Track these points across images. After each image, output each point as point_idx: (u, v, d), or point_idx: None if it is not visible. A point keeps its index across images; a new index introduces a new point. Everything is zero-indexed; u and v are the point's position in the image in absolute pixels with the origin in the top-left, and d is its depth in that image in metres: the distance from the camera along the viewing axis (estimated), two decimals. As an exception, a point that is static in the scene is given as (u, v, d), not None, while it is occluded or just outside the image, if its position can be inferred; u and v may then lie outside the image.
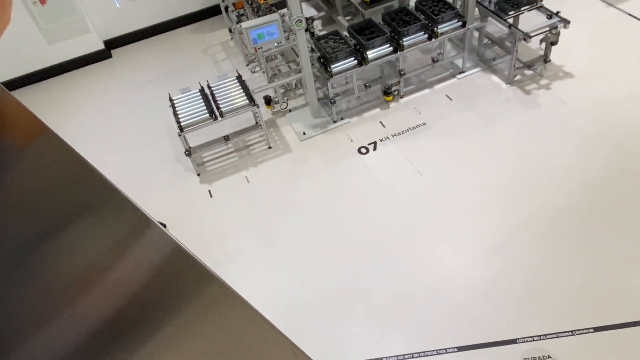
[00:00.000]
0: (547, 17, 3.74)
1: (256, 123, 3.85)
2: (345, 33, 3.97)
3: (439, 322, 2.70)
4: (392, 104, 4.06)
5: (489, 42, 4.24)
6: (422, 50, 4.39)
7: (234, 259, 3.19)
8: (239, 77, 3.86)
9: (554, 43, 3.77)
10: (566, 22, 3.66)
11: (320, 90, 4.09)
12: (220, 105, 3.64)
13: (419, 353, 2.59)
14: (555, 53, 3.92)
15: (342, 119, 4.00)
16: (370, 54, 3.74)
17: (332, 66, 3.69)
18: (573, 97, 3.78)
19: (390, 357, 2.61)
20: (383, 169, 3.56)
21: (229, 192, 3.63)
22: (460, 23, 3.88)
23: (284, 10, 3.99)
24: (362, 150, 3.73)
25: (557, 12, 3.71)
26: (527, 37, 3.62)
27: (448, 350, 2.59)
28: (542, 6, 3.76)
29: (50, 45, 4.91)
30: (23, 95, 4.93)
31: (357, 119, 4.00)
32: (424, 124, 3.84)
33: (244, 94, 3.71)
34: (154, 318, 0.45)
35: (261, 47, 3.71)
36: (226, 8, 4.77)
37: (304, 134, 3.94)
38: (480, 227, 3.10)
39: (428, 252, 3.02)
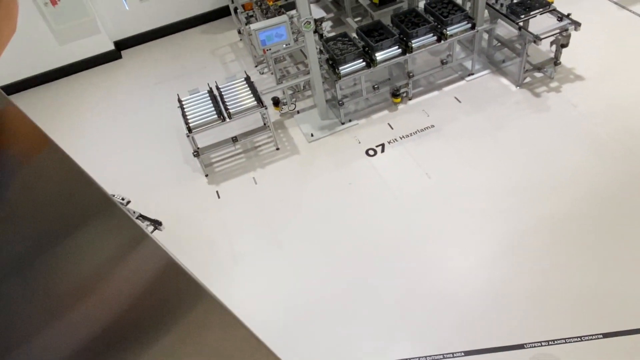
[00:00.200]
0: (557, 20, 3.71)
1: (264, 124, 3.86)
2: (354, 35, 3.97)
3: (446, 325, 2.68)
4: (401, 106, 4.05)
5: (499, 44, 4.22)
6: (431, 52, 4.38)
7: (241, 259, 3.20)
8: (247, 79, 3.87)
9: (564, 45, 3.74)
10: (577, 25, 3.63)
11: (329, 91, 4.09)
12: (229, 107, 3.65)
13: (426, 357, 2.58)
14: (566, 55, 3.89)
15: (350, 120, 4.00)
16: (379, 55, 3.73)
17: (340, 68, 3.68)
18: (583, 100, 3.74)
19: (396, 360, 2.60)
20: (391, 171, 3.55)
21: (236, 193, 3.64)
22: (469, 25, 3.86)
23: (293, 12, 4.00)
24: (370, 152, 3.72)
25: (568, 15, 3.68)
26: (537, 39, 3.60)
27: (455, 355, 2.57)
28: (554, 9, 3.72)
29: (62, 46, 4.95)
30: (34, 95, 4.98)
31: (365, 120, 3.99)
32: (433, 126, 3.82)
33: (252, 95, 3.71)
34: (145, 334, 0.44)
35: (270, 49, 3.71)
36: (235, 9, 4.79)
37: (312, 135, 3.94)
38: (488, 230, 3.08)
39: (435, 254, 3.01)
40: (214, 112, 3.63)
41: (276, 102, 4.07)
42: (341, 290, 2.93)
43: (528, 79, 4.01)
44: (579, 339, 2.51)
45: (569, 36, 3.68)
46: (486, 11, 3.94)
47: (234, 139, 3.79)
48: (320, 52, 3.84)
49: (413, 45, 3.76)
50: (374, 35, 3.84)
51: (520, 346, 2.54)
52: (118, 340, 0.43)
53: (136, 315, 0.45)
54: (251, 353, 0.46)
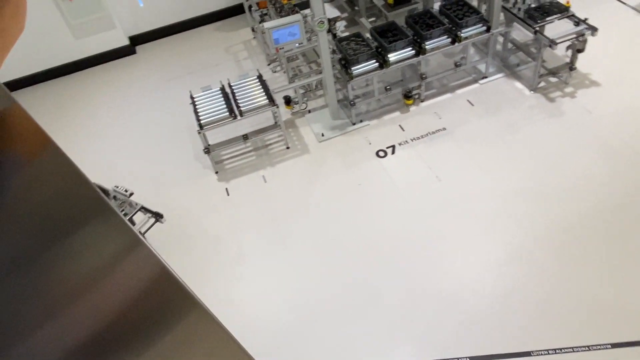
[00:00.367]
0: (574, 24, 3.67)
1: (275, 123, 3.86)
2: (368, 35, 3.95)
3: (452, 330, 2.67)
4: (413, 108, 4.03)
5: (514, 47, 4.18)
6: (445, 54, 4.35)
7: (248, 257, 3.20)
8: (259, 77, 3.87)
9: (580, 50, 3.69)
10: (594, 30, 3.58)
11: (340, 91, 4.08)
12: (240, 104, 3.65)
13: (431, 361, 2.56)
14: (582, 61, 3.85)
15: (361, 121, 3.99)
16: (392, 56, 3.72)
17: (353, 68, 3.67)
18: (598, 106, 3.70)
19: (401, 363, 2.59)
20: (401, 173, 3.53)
21: (245, 191, 3.64)
22: (484, 28, 3.83)
23: (307, 11, 3.99)
24: (381, 154, 3.71)
25: (585, 19, 3.64)
26: (553, 43, 3.56)
27: (460, 359, 2.55)
28: (572, 15, 3.67)
29: (77, 40, 4.99)
30: (49, 88, 5.04)
31: (377, 121, 3.98)
32: (444, 128, 3.80)
33: (264, 93, 3.72)
34: (132, 342, 0.44)
35: (283, 48, 3.71)
36: (250, 7, 4.79)
37: (323, 135, 3.93)
38: (497, 234, 3.05)
39: (443, 258, 2.99)
40: (226, 110, 3.64)
41: (288, 101, 4.07)
42: (346, 291, 2.92)
43: (542, 84, 3.97)
44: (586, 349, 2.48)
45: (585, 41, 3.64)
46: (502, 14, 3.90)
47: (245, 137, 3.80)
48: (333, 51, 3.83)
49: (427, 46, 3.74)
50: (387, 36, 3.82)
51: (527, 354, 2.52)
52: (103, 347, 0.43)
53: (124, 322, 0.44)
54: None
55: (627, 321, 2.56)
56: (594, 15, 3.74)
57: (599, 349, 2.47)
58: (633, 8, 4.44)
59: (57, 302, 0.45)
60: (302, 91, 4.22)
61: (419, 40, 3.77)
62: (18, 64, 4.92)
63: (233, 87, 3.82)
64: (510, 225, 3.08)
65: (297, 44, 3.77)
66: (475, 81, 4.15)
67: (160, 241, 3.39)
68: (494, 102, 3.92)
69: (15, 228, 0.49)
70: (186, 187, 3.76)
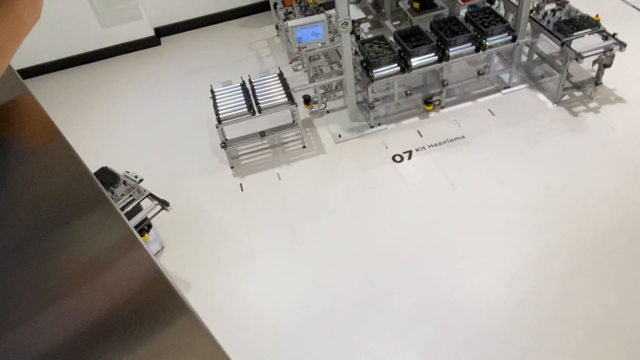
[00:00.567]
0: (602, 38, 3.59)
1: (293, 121, 3.86)
2: (391, 38, 3.93)
3: (458, 341, 2.64)
4: (432, 114, 3.99)
5: (539, 58, 4.11)
6: (468, 62, 4.31)
7: (258, 254, 3.21)
8: (280, 75, 3.88)
9: (607, 65, 3.62)
10: (622, 45, 3.51)
11: (360, 94, 4.07)
12: (260, 101, 3.66)
13: (434, 370, 2.54)
14: (608, 76, 3.77)
15: (379, 124, 3.97)
16: (415, 61, 3.69)
17: (374, 71, 3.66)
18: (622, 123, 3.62)
19: (404, 371, 2.57)
20: (416, 179, 3.51)
21: (259, 188, 3.65)
22: (510, 37, 3.77)
23: (332, 11, 3.99)
24: (397, 158, 3.69)
25: (614, 34, 3.56)
26: (579, 57, 3.49)
27: (464, 371, 2.52)
28: (604, 30, 3.60)
29: (104, 29, 5.07)
30: (73, 74, 5.12)
31: (395, 126, 3.95)
32: (463, 137, 3.76)
33: (283, 91, 3.72)
34: (118, 342, 0.43)
35: (305, 47, 3.71)
36: (275, 5, 4.81)
37: (340, 136, 3.92)
38: (510, 247, 3.01)
39: (454, 267, 2.96)
40: (245, 106, 3.65)
41: (307, 100, 4.07)
42: (354, 294, 2.91)
43: (566, 97, 3.90)
44: (595, 370, 2.43)
45: (612, 56, 3.57)
46: (528, 24, 3.85)
47: (262, 134, 3.81)
48: (356, 53, 3.82)
49: (450, 53, 3.71)
50: (411, 40, 3.80)
51: (533, 370, 2.47)
52: (88, 343, 0.43)
53: (112, 321, 0.44)
54: None
55: (636, 344, 2.50)
56: (623, 30, 3.66)
57: (608, 371, 2.42)
58: (665, 25, 4.34)
59: (46, 293, 0.45)
60: (322, 91, 4.22)
61: (442, 46, 3.73)
62: (44, 50, 5.01)
63: (253, 84, 3.83)
64: (524, 238, 3.04)
65: (319, 44, 3.77)
66: (497, 90, 4.10)
67: (170, 232, 3.42)
68: (515, 113, 3.87)
69: (15, 215, 0.50)
70: (201, 180, 3.79)
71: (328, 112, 4.17)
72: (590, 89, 3.83)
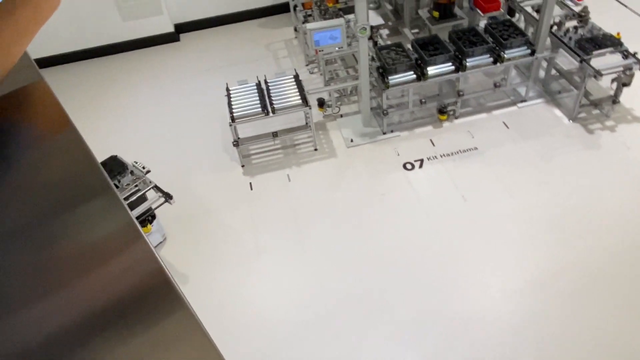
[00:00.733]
0: (622, 57, 3.55)
1: (306, 124, 3.87)
2: (409, 46, 3.92)
3: (461, 354, 2.61)
4: (446, 124, 3.98)
5: (557, 74, 4.08)
6: (485, 73, 4.28)
7: (264, 254, 3.21)
8: (296, 77, 3.89)
9: (626, 84, 3.58)
10: (643, 64, 3.47)
11: (375, 99, 4.06)
12: (274, 102, 3.68)
13: (433, 382, 2.52)
14: (626, 95, 3.73)
15: (392, 131, 3.96)
16: (431, 70, 3.68)
17: (390, 77, 3.65)
18: (638, 143, 3.57)
19: (403, 380, 2.55)
20: (426, 188, 3.49)
21: (269, 188, 3.66)
22: (529, 51, 3.75)
23: (351, 16, 4.00)
24: (408, 166, 3.67)
25: (635, 53, 3.52)
26: (598, 74, 3.46)
27: (464, 385, 2.50)
28: (625, 49, 3.56)
29: (124, 22, 5.12)
30: (92, 66, 5.18)
31: (408, 133, 3.94)
32: (476, 148, 3.73)
33: (298, 93, 3.73)
34: (112, 332, 0.43)
35: (322, 50, 3.72)
36: (295, 7, 4.82)
37: (352, 141, 3.92)
38: (520, 263, 2.98)
39: (460, 280, 2.94)
40: (259, 105, 3.67)
41: (321, 104, 4.08)
42: (357, 301, 2.90)
43: (583, 114, 3.86)
44: (597, 391, 2.40)
45: (632, 75, 3.53)
46: (548, 39, 3.82)
47: (275, 134, 3.82)
48: (372, 59, 3.82)
49: (467, 64, 3.69)
50: (428, 49, 3.79)
51: (534, 388, 2.44)
52: (81, 332, 0.43)
53: (106, 310, 0.44)
54: None
55: (643, 369, 2.46)
56: (645, 49, 3.62)
57: (610, 394, 2.38)
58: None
59: (43, 280, 0.45)
60: (336, 95, 4.22)
61: (460, 56, 3.72)
62: (66, 40, 5.08)
63: (269, 84, 3.85)
64: (533, 254, 3.01)
65: (337, 48, 3.77)
66: (513, 104, 4.07)
67: (175, 225, 3.44)
68: (530, 127, 3.84)
69: (20, 199, 0.50)
70: (211, 176, 3.81)
71: (341, 116, 4.17)
72: (607, 107, 3.79)
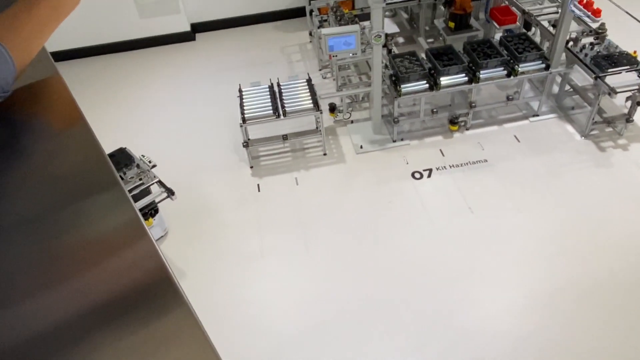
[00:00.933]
0: (638, 75, 3.53)
1: (316, 128, 3.88)
2: (423, 55, 3.92)
3: (459, 366, 2.60)
4: (456, 135, 3.97)
5: (571, 89, 4.05)
6: (498, 86, 4.27)
7: (268, 256, 3.22)
8: (308, 81, 3.90)
9: (640, 103, 3.55)
10: (659, 84, 3.44)
11: (386, 107, 4.07)
12: (285, 105, 3.69)
13: (432, 393, 2.50)
14: (641, 114, 3.70)
15: (402, 139, 3.95)
16: (444, 80, 3.68)
17: (402, 86, 3.65)
18: (651, 164, 3.54)
19: (401, 389, 2.54)
20: (433, 198, 3.48)
21: (276, 190, 3.67)
22: (543, 65, 3.74)
23: (366, 23, 4.01)
24: (416, 175, 3.67)
25: (651, 72, 3.49)
26: (612, 92, 3.43)
27: (462, 398, 2.48)
28: None
29: (142, 20, 5.17)
30: (108, 61, 5.24)
31: (417, 142, 3.93)
32: (486, 160, 3.72)
33: (310, 97, 3.74)
34: (112, 326, 0.44)
35: (336, 55, 3.73)
36: (311, 11, 4.85)
37: (361, 147, 3.92)
38: (525, 278, 2.95)
39: (465, 292, 2.92)
40: (271, 108, 3.68)
41: (332, 109, 4.09)
42: (360, 308, 2.89)
43: (595, 131, 3.83)
44: (597, 412, 2.37)
45: (647, 94, 3.50)
46: (563, 54, 3.80)
47: (284, 137, 3.83)
48: (386, 66, 3.82)
49: (481, 75, 3.68)
50: (442, 59, 3.78)
51: (533, 405, 2.42)
52: (83, 324, 0.44)
53: (107, 304, 0.45)
54: None
55: (645, 392, 2.43)
56: (661, 69, 3.59)
57: (610, 415, 2.35)
58: None
59: (46, 271, 0.46)
60: (348, 101, 4.23)
61: (474, 67, 3.71)
62: (83, 35, 5.15)
63: (281, 87, 3.86)
64: (538, 271, 2.98)
65: (350, 54, 3.78)
66: (525, 117, 4.05)
67: (179, 221, 3.46)
68: (541, 142, 3.82)
69: (28, 190, 0.51)
70: (219, 176, 3.82)
71: (352, 122, 4.18)
72: (620, 126, 3.77)
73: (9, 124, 0.55)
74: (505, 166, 3.66)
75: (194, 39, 5.46)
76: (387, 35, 3.63)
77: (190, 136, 4.21)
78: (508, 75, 3.74)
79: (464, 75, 3.71)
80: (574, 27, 3.89)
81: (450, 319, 2.79)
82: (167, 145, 4.12)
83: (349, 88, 4.34)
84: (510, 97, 3.91)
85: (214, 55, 5.20)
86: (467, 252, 3.13)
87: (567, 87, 4.06)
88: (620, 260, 2.99)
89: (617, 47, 3.76)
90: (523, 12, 4.21)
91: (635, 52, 3.63)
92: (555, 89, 4.16)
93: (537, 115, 4.04)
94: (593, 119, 3.72)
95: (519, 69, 3.70)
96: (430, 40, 4.90)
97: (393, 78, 3.74)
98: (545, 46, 4.02)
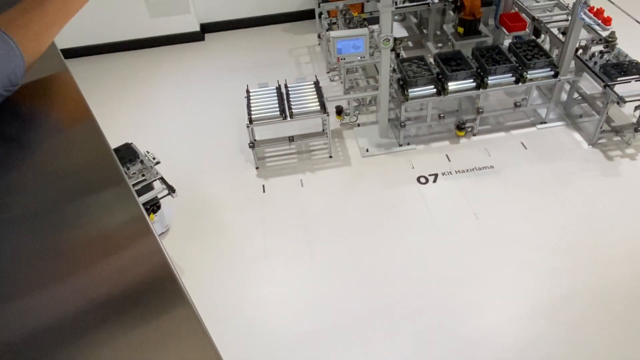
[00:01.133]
0: (648, 85, 3.51)
1: (323, 130, 3.88)
2: (431, 60, 3.92)
3: (461, 373, 2.58)
4: (463, 140, 3.95)
5: (579, 97, 4.04)
6: (506, 92, 4.26)
7: (271, 257, 3.22)
8: (316, 83, 3.91)
9: (650, 113, 3.53)
10: (668, 94, 3.41)
11: (393, 111, 4.06)
12: (292, 106, 3.70)
13: (432, 399, 2.49)
14: (650, 123, 3.67)
15: (408, 144, 3.95)
16: (452, 85, 3.67)
17: (410, 90, 3.65)
18: (659, 174, 3.51)
19: (401, 395, 2.52)
20: (439, 203, 3.47)
21: (281, 191, 3.67)
22: (552, 73, 3.72)
23: (375, 27, 4.01)
24: (422, 180, 3.66)
25: (661, 82, 3.47)
26: (621, 100, 3.41)
27: (463, 405, 2.47)
28: None
29: (152, 19, 5.20)
30: (118, 59, 5.27)
31: (424, 147, 3.93)
32: (492, 167, 3.71)
33: (317, 99, 3.75)
34: (114, 322, 0.44)
35: (344, 58, 3.73)
36: (320, 14, 4.85)
37: (367, 150, 3.92)
38: (528, 287, 2.94)
39: (466, 299, 2.91)
40: (278, 109, 3.69)
41: (339, 111, 4.09)
42: (361, 313, 2.89)
43: (603, 140, 3.81)
44: (599, 423, 2.35)
45: (657, 104, 3.47)
46: (573, 62, 3.79)
47: (291, 139, 3.83)
48: (394, 70, 3.82)
49: (489, 81, 3.67)
50: (451, 64, 3.78)
51: (534, 414, 2.40)
52: (85, 319, 0.44)
53: (110, 300, 0.45)
54: None
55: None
56: (671, 78, 3.56)
57: None
58: None
59: (53, 265, 0.46)
60: (355, 104, 4.23)
61: (482, 73, 3.70)
62: (94, 32, 5.18)
63: (289, 88, 3.87)
64: (541, 279, 2.97)
65: (359, 57, 3.78)
66: (532, 124, 4.03)
67: (183, 220, 3.46)
68: (548, 150, 3.80)
69: (36, 185, 0.51)
70: (224, 175, 3.83)
71: (359, 125, 4.17)
72: (629, 135, 3.74)
73: (18, 118, 0.56)
74: (511, 173, 3.65)
75: (203, 39, 5.48)
76: (395, 39, 3.63)
77: (196, 135, 4.23)
78: (516, 82, 3.72)
79: (472, 80, 3.70)
80: (583, 35, 3.87)
81: (453, 325, 2.78)
82: (173, 143, 4.14)
83: (356, 91, 4.34)
84: (518, 103, 3.90)
85: (222, 55, 5.22)
86: (471, 258, 3.11)
87: (576, 95, 4.04)
88: (626, 270, 2.97)
89: (626, 55, 3.74)
90: (533, 19, 4.20)
91: (645, 61, 3.61)
92: (564, 96, 4.15)
93: (545, 123, 4.02)
94: (601, 127, 3.70)
95: (528, 75, 3.69)
96: (438, 45, 4.89)
97: (401, 82, 3.74)
98: (555, 53, 4.01)
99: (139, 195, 2.95)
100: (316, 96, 3.78)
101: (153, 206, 3.10)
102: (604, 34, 3.82)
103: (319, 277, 3.09)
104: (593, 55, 3.79)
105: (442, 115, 3.85)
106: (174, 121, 4.41)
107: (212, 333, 0.47)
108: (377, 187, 3.64)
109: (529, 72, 3.69)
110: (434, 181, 3.64)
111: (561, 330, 2.72)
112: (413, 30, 5.21)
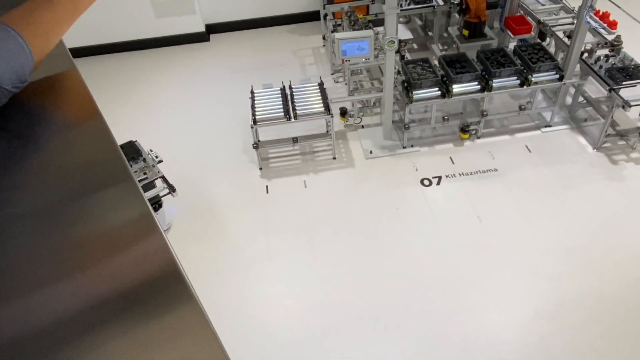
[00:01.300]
0: (653, 89, 3.50)
1: (327, 132, 3.88)
2: (436, 62, 3.92)
3: (463, 376, 2.57)
4: (467, 143, 3.95)
5: (584, 101, 4.03)
6: (511, 95, 4.25)
7: (274, 258, 3.22)
8: (320, 84, 3.91)
9: (655, 117, 3.52)
10: (674, 98, 3.40)
11: (397, 113, 4.06)
12: (297, 107, 3.70)
13: (434, 402, 2.49)
14: (655, 128, 3.66)
15: (412, 146, 3.94)
16: (456, 88, 3.67)
17: (414, 92, 3.65)
18: (664, 178, 3.50)
19: (403, 397, 2.52)
20: (442, 206, 3.46)
21: (285, 192, 3.67)
22: (557, 76, 3.71)
23: (380, 29, 4.01)
24: (425, 182, 3.65)
25: (667, 86, 3.46)
26: (626, 105, 3.40)
27: (465, 408, 2.46)
28: None
29: (157, 19, 5.22)
30: (124, 59, 5.29)
31: (428, 149, 3.92)
32: (496, 170, 3.70)
33: (321, 101, 3.75)
34: (120, 318, 0.44)
35: (349, 60, 3.74)
36: (325, 16, 4.86)
37: (371, 152, 3.92)
38: (530, 290, 2.93)
39: (469, 303, 2.90)
40: (282, 110, 3.69)
41: (343, 113, 4.09)
42: (363, 315, 2.88)
43: (608, 144, 3.80)
44: None
45: (662, 108, 3.46)
46: (578, 65, 3.78)
47: (295, 140, 3.84)
48: (398, 72, 3.82)
49: (494, 84, 3.67)
50: (455, 66, 3.78)
51: (537, 418, 2.39)
52: (92, 315, 0.44)
53: (118, 296, 0.45)
54: None
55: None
56: (677, 83, 3.55)
57: None
58: None
59: (57, 261, 0.46)
60: (359, 106, 4.23)
61: (487, 76, 3.70)
62: (101, 32, 5.20)
63: (293, 89, 3.87)
64: (545, 284, 2.96)
65: (363, 59, 3.78)
66: (537, 128, 4.02)
67: (185, 219, 3.47)
68: (553, 153, 3.79)
69: (42, 181, 0.52)
70: (228, 176, 3.84)
71: (363, 127, 4.17)
72: (634, 139, 3.73)
73: (26, 115, 0.56)
74: (515, 176, 3.64)
75: (208, 39, 5.50)
76: (400, 41, 3.63)
77: (200, 135, 4.24)
78: (521, 85, 3.72)
79: (476, 83, 3.69)
80: (589, 39, 3.87)
81: (455, 328, 2.77)
82: (177, 142, 4.15)
83: (360, 93, 4.34)
84: (523, 106, 3.89)
85: (227, 56, 5.23)
86: (473, 261, 3.11)
87: (581, 99, 4.03)
88: (630, 275, 2.96)
89: (632, 59, 3.73)
90: (538, 22, 4.20)
91: (650, 65, 3.60)
92: (569, 100, 4.14)
93: (550, 126, 4.01)
94: (606, 131, 3.69)
95: (533, 78, 3.68)
96: (443, 47, 4.89)
97: (405, 84, 3.74)
98: (560, 57, 4.00)
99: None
100: (320, 97, 3.79)
101: (154, 204, 3.11)
102: (610, 37, 3.82)
103: (321, 278, 3.09)
104: (598, 59, 3.78)
105: (446, 117, 3.85)
106: (178, 120, 4.42)
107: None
108: (380, 189, 3.64)
109: (534, 75, 3.69)
110: (438, 184, 3.64)
111: (565, 334, 2.71)
112: (418, 33, 5.21)
